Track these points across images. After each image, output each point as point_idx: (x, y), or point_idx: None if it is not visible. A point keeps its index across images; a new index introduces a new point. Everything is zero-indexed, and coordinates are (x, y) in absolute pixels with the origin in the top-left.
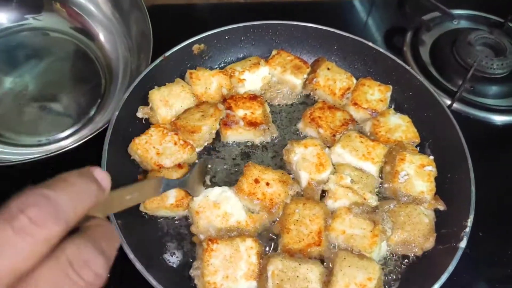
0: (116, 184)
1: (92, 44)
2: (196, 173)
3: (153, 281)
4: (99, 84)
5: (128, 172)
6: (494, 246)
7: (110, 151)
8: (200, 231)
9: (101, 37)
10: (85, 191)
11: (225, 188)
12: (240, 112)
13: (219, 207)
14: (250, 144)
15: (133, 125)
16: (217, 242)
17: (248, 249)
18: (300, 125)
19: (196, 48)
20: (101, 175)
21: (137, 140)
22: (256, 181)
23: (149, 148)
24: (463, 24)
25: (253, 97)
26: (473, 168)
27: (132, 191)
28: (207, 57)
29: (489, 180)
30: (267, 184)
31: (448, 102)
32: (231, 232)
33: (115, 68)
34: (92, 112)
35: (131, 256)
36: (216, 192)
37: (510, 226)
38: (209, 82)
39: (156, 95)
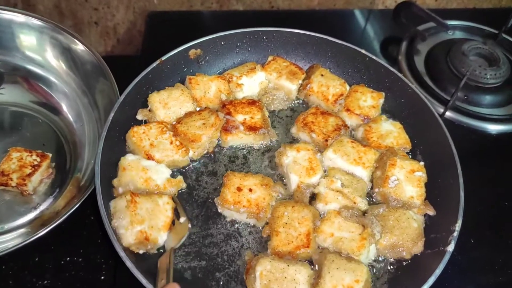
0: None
1: (56, 118)
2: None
3: (143, 280)
4: (63, 161)
5: None
6: (486, 253)
7: (106, 149)
8: (120, 185)
9: (65, 109)
10: None
11: (163, 165)
12: (239, 117)
13: (146, 172)
14: (247, 148)
15: (137, 123)
16: (138, 196)
17: (165, 204)
18: (293, 130)
19: (192, 53)
20: None
21: (135, 128)
22: (239, 189)
23: (144, 138)
24: (458, 34)
25: (252, 102)
26: (467, 176)
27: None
28: (203, 62)
29: (482, 188)
30: (250, 190)
31: (442, 110)
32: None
33: (81, 142)
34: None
35: (121, 254)
36: (151, 163)
37: (501, 234)
38: (207, 87)
39: (156, 98)
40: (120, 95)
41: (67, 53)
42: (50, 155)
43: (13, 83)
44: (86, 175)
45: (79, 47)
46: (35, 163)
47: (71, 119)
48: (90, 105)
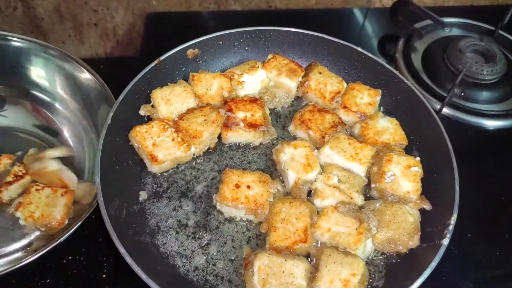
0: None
1: (57, 141)
2: None
3: (142, 275)
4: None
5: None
6: (482, 247)
7: (106, 149)
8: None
9: (66, 134)
10: None
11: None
12: (240, 114)
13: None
14: (247, 145)
15: (137, 122)
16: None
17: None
18: (290, 127)
19: (190, 52)
20: None
21: (137, 128)
22: (237, 186)
23: (147, 137)
24: (455, 32)
25: (254, 100)
26: (464, 171)
27: None
28: (201, 62)
29: (480, 182)
30: (248, 187)
31: (439, 107)
32: None
33: (80, 166)
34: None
35: (122, 250)
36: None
37: (498, 228)
38: (210, 84)
39: (158, 94)
40: (119, 95)
41: (71, 80)
42: None
43: (16, 105)
44: None
45: (85, 74)
46: (19, 173)
47: (71, 143)
48: (92, 130)
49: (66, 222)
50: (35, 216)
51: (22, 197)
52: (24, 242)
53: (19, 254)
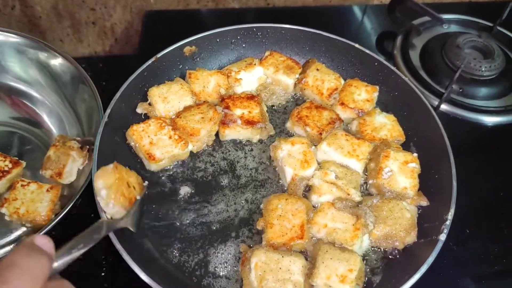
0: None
1: (39, 131)
2: (139, 210)
3: (141, 273)
4: None
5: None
6: (481, 243)
7: (102, 146)
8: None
9: (48, 122)
10: (37, 269)
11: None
12: (237, 111)
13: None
14: (245, 142)
15: (135, 120)
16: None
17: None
18: (288, 124)
19: (187, 50)
20: (43, 241)
21: (134, 126)
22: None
23: (144, 136)
24: (453, 28)
25: (251, 97)
26: (463, 167)
27: (76, 244)
28: (198, 59)
29: (478, 178)
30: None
31: (437, 103)
32: None
33: None
34: None
35: (119, 248)
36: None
37: (497, 224)
38: (207, 81)
39: (155, 92)
40: (116, 93)
41: (45, 66)
42: (24, 163)
43: None
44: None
45: (58, 59)
46: (6, 168)
47: (54, 130)
48: (72, 113)
49: (53, 217)
50: (20, 212)
51: (8, 193)
52: (11, 237)
53: (7, 248)
